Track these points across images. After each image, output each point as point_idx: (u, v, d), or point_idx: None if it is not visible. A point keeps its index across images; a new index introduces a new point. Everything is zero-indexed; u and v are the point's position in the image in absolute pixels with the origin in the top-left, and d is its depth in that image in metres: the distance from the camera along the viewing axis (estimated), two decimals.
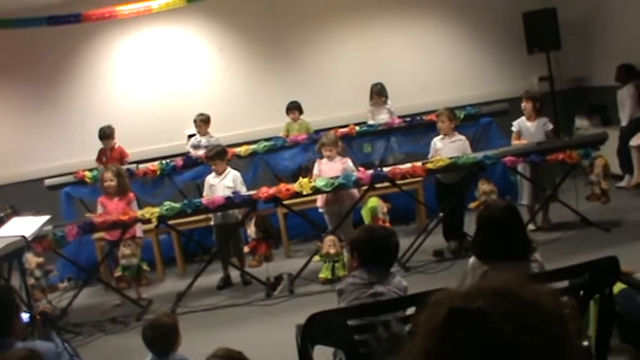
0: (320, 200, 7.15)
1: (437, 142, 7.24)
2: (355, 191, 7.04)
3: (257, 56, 9.93)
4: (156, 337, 3.76)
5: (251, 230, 7.68)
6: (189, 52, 9.90)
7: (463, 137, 7.27)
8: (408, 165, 6.87)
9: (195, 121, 8.70)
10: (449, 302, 1.11)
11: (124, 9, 8.23)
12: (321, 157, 7.32)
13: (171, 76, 9.83)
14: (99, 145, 8.60)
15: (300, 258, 7.48)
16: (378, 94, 8.98)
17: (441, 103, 7.74)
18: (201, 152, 8.23)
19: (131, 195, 7.24)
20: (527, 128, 7.45)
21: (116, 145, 8.63)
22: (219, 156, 7.22)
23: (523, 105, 7.43)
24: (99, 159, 8.60)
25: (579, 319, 3.03)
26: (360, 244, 3.69)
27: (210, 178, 7.27)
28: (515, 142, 7.43)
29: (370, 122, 8.93)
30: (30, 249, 6.09)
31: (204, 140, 8.66)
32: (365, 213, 7.69)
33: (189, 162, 8.30)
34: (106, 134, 8.48)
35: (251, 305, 6.51)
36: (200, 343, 4.71)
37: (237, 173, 7.26)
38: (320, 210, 7.24)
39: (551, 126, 7.48)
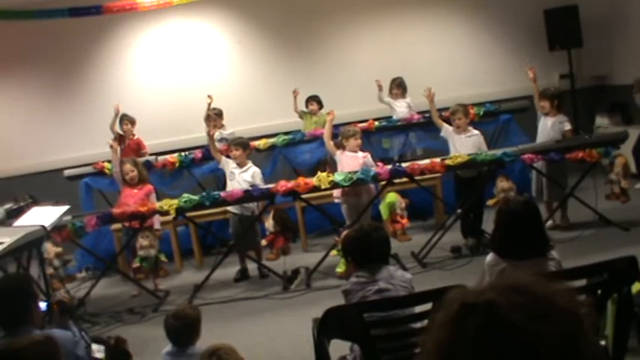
0: (337, 190, 6.98)
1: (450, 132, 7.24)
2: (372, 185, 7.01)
3: (276, 50, 9.93)
4: (178, 328, 3.79)
5: (269, 224, 7.69)
6: (208, 45, 9.92)
7: (478, 132, 7.23)
8: (427, 161, 6.86)
9: (209, 115, 8.66)
10: (462, 298, 1.12)
11: (144, 1, 8.25)
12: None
13: (190, 69, 9.86)
14: None
15: (317, 252, 7.47)
16: (397, 86, 8.93)
17: (461, 99, 7.67)
18: (218, 145, 8.22)
19: (150, 187, 7.29)
20: (545, 121, 7.37)
21: (134, 137, 8.69)
22: (242, 145, 7.18)
23: (541, 104, 7.35)
24: (116, 140, 8.26)
25: (596, 317, 3.02)
26: (350, 249, 3.72)
27: (231, 165, 7.20)
28: None
29: (390, 103, 8.90)
30: (49, 239, 6.16)
31: (217, 134, 8.64)
32: (383, 208, 7.69)
33: (208, 154, 8.30)
34: (128, 117, 8.56)
35: (268, 298, 6.53)
36: (216, 336, 4.72)
37: (257, 170, 7.20)
38: (336, 200, 7.14)
39: (568, 126, 7.30)
